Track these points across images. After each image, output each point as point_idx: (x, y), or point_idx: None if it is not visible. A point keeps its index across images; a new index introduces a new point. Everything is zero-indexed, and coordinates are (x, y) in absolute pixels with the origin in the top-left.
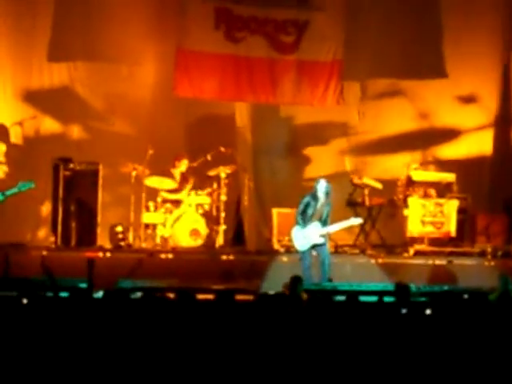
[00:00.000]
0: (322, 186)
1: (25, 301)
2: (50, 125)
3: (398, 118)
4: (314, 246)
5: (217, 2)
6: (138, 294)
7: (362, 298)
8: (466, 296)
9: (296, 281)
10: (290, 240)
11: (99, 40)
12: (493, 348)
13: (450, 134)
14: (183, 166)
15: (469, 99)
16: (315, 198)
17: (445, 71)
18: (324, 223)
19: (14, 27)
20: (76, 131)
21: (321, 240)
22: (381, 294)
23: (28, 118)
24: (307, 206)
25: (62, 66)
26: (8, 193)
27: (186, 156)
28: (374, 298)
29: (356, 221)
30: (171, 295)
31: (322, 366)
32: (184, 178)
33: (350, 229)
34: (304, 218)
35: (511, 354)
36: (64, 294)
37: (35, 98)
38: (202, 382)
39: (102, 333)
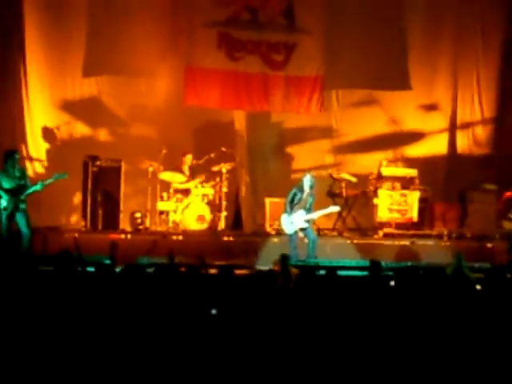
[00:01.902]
0: (307, 180)
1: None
2: (81, 129)
3: (370, 123)
4: (301, 230)
5: (219, 27)
6: (154, 269)
7: (341, 272)
8: (426, 270)
9: (284, 258)
10: (280, 224)
11: (122, 58)
12: (448, 312)
13: (413, 137)
14: (188, 160)
15: (429, 107)
16: (301, 189)
17: (409, 84)
18: (308, 211)
19: (52, 48)
20: (103, 134)
21: (305, 224)
22: (357, 269)
23: (64, 123)
24: (294, 195)
25: (91, 80)
26: (46, 182)
27: (191, 152)
28: (350, 272)
29: (334, 208)
30: (182, 269)
31: (306, 330)
32: (191, 172)
33: (329, 215)
34: (291, 206)
35: (464, 318)
36: (91, 269)
37: (70, 107)
38: (206, 345)
39: (122, 301)
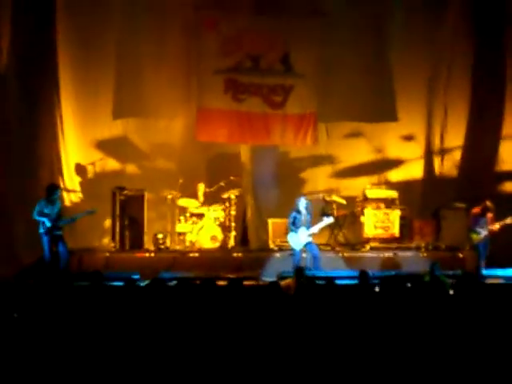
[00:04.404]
0: (302, 203)
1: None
2: (111, 164)
3: (358, 152)
4: (306, 245)
5: (225, 74)
6: (174, 282)
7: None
8: (407, 278)
9: (299, 271)
10: (282, 241)
11: (144, 103)
12: (426, 312)
13: (394, 163)
14: (202, 188)
15: (407, 138)
16: (299, 211)
17: (396, 116)
18: (308, 227)
19: (84, 97)
20: (129, 168)
21: (309, 239)
22: (350, 278)
23: (97, 159)
24: (295, 219)
25: (117, 122)
26: (78, 217)
27: (203, 181)
28: (345, 281)
29: (329, 220)
30: (198, 282)
31: (311, 330)
32: (205, 198)
33: (323, 232)
34: (294, 227)
35: (439, 316)
36: (120, 283)
37: (102, 146)
38: (216, 343)
39: (148, 309)
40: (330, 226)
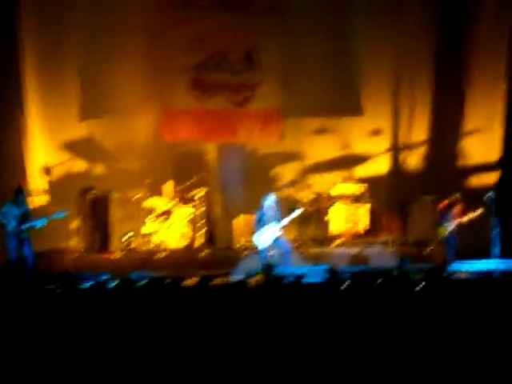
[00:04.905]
0: (270, 200)
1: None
2: (79, 165)
3: (326, 148)
4: (275, 241)
5: (189, 72)
6: (143, 282)
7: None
8: (375, 273)
9: (268, 269)
10: (250, 240)
11: (110, 104)
12: (395, 307)
13: (362, 158)
14: (170, 186)
15: (374, 133)
16: (266, 209)
17: (362, 111)
18: (278, 222)
19: (49, 99)
20: (96, 169)
21: (278, 233)
22: (318, 274)
23: (63, 161)
24: (262, 215)
25: (84, 123)
26: (47, 220)
27: (170, 180)
28: (314, 278)
29: (298, 212)
30: (167, 281)
31: (274, 328)
32: (172, 197)
33: (291, 228)
34: (262, 225)
35: (408, 311)
36: (88, 284)
37: (68, 147)
38: (186, 345)
39: (117, 309)
40: (297, 223)
